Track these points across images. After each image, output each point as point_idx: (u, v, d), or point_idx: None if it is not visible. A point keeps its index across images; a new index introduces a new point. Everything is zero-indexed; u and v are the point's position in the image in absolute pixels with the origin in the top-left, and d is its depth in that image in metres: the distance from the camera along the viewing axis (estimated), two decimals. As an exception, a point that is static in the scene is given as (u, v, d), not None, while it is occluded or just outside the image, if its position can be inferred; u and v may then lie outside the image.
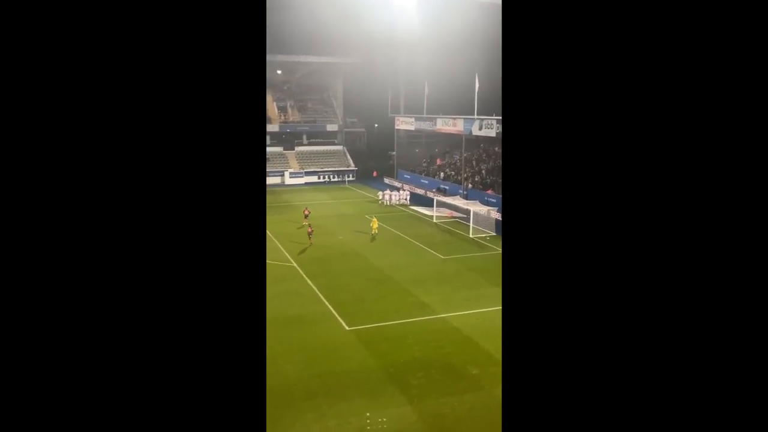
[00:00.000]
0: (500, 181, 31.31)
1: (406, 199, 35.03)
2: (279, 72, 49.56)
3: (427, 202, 33.59)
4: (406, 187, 39.57)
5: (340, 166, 47.17)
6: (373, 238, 24.83)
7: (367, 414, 10.51)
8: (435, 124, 38.97)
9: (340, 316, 15.45)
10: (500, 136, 30.83)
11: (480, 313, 15.45)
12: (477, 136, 34.29)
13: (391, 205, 33.96)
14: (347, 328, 14.66)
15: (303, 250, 22.71)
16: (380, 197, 35.30)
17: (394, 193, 35.67)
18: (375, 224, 25.55)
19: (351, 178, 46.10)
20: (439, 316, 15.37)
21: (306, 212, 28.46)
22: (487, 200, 29.77)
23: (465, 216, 27.83)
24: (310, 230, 24.41)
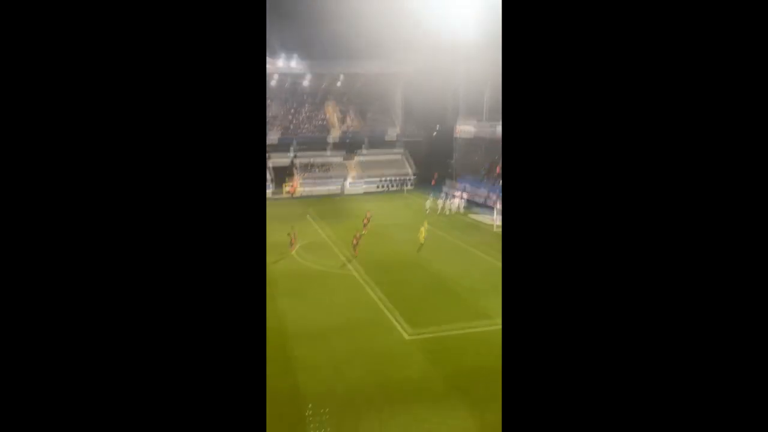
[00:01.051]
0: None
1: (459, 208, 34.39)
2: (339, 83, 50.67)
3: (487, 210, 33.06)
4: (463, 194, 39.14)
5: (399, 174, 47.40)
6: (420, 248, 24.50)
7: (428, 424, 10.46)
8: (495, 131, 38.35)
9: (399, 324, 15.51)
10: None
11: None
12: (539, 142, 33.30)
13: (446, 213, 33.48)
14: (407, 336, 14.67)
15: (349, 261, 22.99)
16: (427, 206, 34.08)
17: (448, 200, 35.03)
18: (423, 233, 25.11)
19: (410, 186, 46.22)
20: (500, 326, 15.06)
21: (365, 220, 28.60)
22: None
23: (527, 224, 27.05)
24: (355, 241, 23.40)
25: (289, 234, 24.35)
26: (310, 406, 11.07)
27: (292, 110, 50.67)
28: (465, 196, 37.26)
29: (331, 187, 45.23)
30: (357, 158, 48.90)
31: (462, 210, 34.09)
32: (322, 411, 10.87)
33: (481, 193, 38.33)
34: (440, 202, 34.71)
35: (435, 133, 52.51)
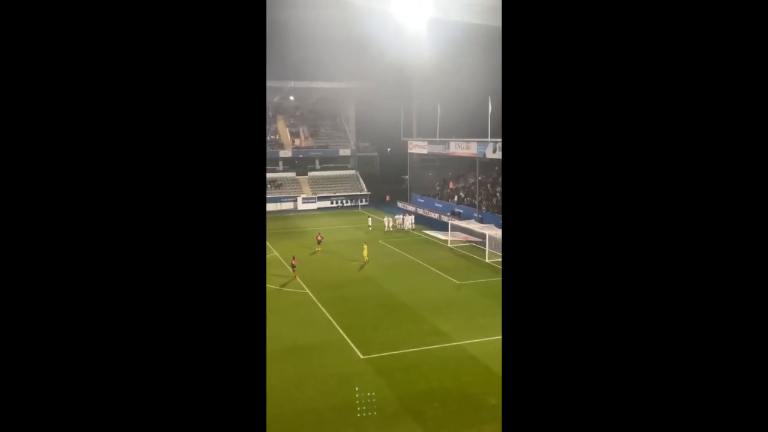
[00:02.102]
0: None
1: (411, 224, 34.41)
2: (292, 98, 50.24)
3: (441, 227, 33.30)
4: (419, 210, 39.36)
5: (353, 191, 47.22)
6: (363, 265, 24.27)
7: (383, 448, 10.11)
8: (448, 147, 38.95)
9: (354, 344, 15.12)
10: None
11: (498, 341, 15.02)
12: (491, 159, 34.12)
13: (394, 230, 33.38)
14: (361, 356, 14.31)
15: (292, 280, 22.49)
16: (386, 223, 34.12)
17: (398, 217, 35.09)
18: (365, 250, 25.09)
19: (364, 203, 46.09)
20: (455, 343, 14.97)
21: (319, 238, 28.30)
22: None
23: (480, 240, 27.48)
24: (294, 262, 22.65)
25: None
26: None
27: (244, 126, 49.76)
28: (411, 213, 37.41)
29: (284, 204, 44.50)
30: (310, 175, 48.44)
31: (413, 227, 34.09)
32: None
33: (436, 209, 38.67)
34: (394, 219, 34.64)
35: (389, 149, 52.85)
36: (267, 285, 20.95)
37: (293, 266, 22.53)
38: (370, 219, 35.13)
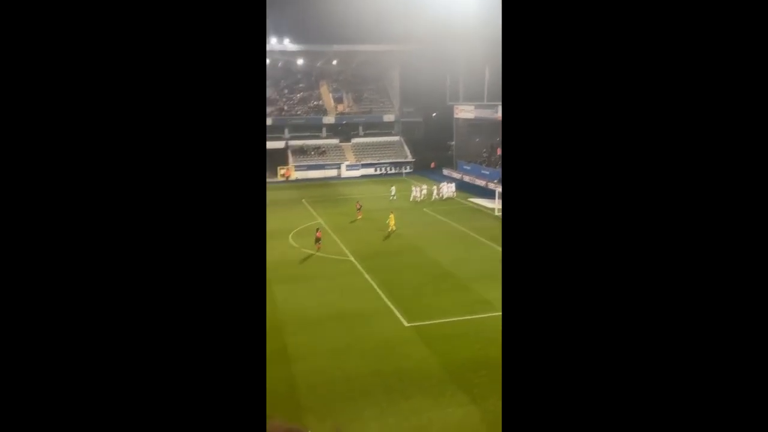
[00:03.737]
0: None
1: (452, 192, 33.68)
2: (335, 62, 49.71)
3: (488, 194, 32.61)
4: (465, 178, 38.65)
5: (398, 158, 46.76)
6: (388, 235, 23.85)
7: (428, 413, 10.12)
8: (496, 112, 37.73)
9: (398, 311, 15.12)
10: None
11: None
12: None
13: (440, 198, 32.71)
14: (406, 324, 14.30)
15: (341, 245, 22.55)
16: (413, 192, 32.75)
17: (444, 185, 34.08)
18: (392, 220, 24.60)
19: (408, 170, 45.61)
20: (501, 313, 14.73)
21: (358, 206, 28.25)
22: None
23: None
24: (318, 235, 21.69)
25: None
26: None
27: (286, 92, 49.80)
28: (454, 180, 36.74)
29: (328, 172, 44.68)
30: (353, 141, 48.20)
31: (454, 194, 33.37)
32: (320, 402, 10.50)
33: (482, 176, 37.82)
34: (434, 188, 33.91)
35: (435, 114, 51.80)
36: (311, 252, 21.21)
37: (317, 239, 21.54)
38: (393, 188, 33.80)
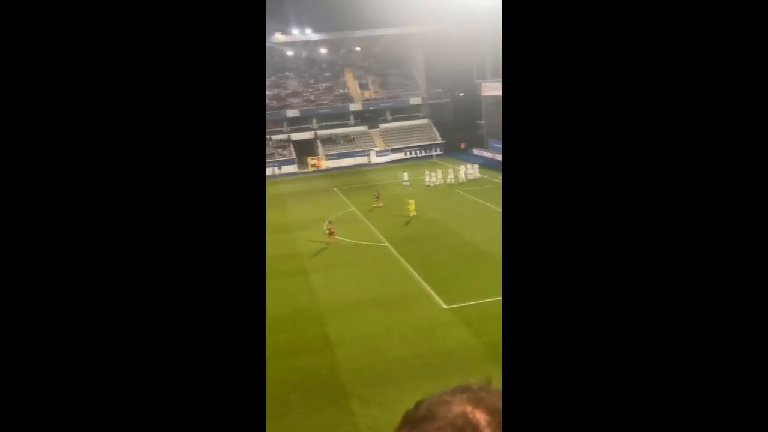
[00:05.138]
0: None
1: (476, 173, 32.58)
2: (357, 49, 49.42)
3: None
4: (496, 156, 37.98)
5: (427, 140, 46.30)
6: (409, 221, 23.49)
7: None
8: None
9: (437, 294, 15.07)
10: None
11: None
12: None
13: (463, 180, 31.73)
14: (445, 306, 14.25)
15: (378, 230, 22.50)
16: (427, 178, 31.35)
17: (468, 166, 32.88)
18: (412, 206, 24.14)
19: (439, 152, 45.13)
20: (542, 291, 14.51)
21: (376, 194, 27.87)
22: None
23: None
24: (331, 228, 21.44)
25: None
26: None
27: (312, 82, 49.88)
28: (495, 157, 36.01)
29: (358, 159, 44.65)
30: (381, 127, 47.97)
31: (478, 176, 32.54)
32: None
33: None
34: (450, 170, 32.65)
35: (462, 94, 50.93)
36: (346, 239, 21.33)
37: (330, 232, 21.31)
38: (405, 174, 32.65)
